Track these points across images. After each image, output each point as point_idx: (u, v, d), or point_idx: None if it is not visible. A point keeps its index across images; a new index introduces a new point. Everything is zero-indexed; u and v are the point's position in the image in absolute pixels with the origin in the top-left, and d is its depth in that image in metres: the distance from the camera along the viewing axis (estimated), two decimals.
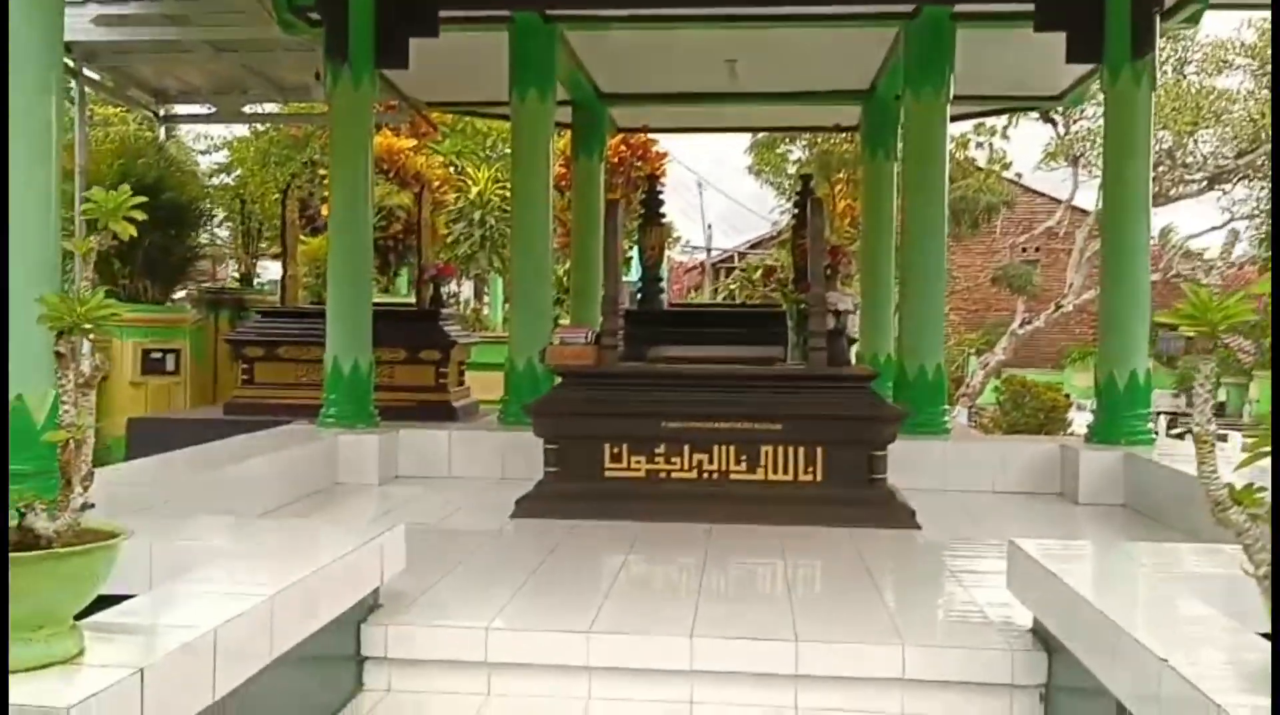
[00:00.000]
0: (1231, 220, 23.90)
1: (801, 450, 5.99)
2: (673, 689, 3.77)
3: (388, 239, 12.01)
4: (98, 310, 2.41)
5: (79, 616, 2.44)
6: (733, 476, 6.03)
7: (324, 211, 13.38)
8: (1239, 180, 22.29)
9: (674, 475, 6.05)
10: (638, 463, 6.07)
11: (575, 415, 6.09)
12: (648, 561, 5.24)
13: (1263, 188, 22.50)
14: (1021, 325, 23.79)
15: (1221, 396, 25.31)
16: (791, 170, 17.97)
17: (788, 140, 17.83)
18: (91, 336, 2.50)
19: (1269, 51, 19.34)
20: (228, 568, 3.31)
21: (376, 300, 8.34)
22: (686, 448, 6.05)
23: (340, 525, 5.49)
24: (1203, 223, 24.55)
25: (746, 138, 19.16)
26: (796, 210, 8.96)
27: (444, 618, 3.99)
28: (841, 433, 5.95)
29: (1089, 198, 25.11)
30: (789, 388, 6.07)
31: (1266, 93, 20.62)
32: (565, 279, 13.33)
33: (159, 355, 9.86)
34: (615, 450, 6.07)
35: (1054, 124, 23.11)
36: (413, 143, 12.82)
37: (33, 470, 3.50)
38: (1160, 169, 21.95)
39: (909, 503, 5.98)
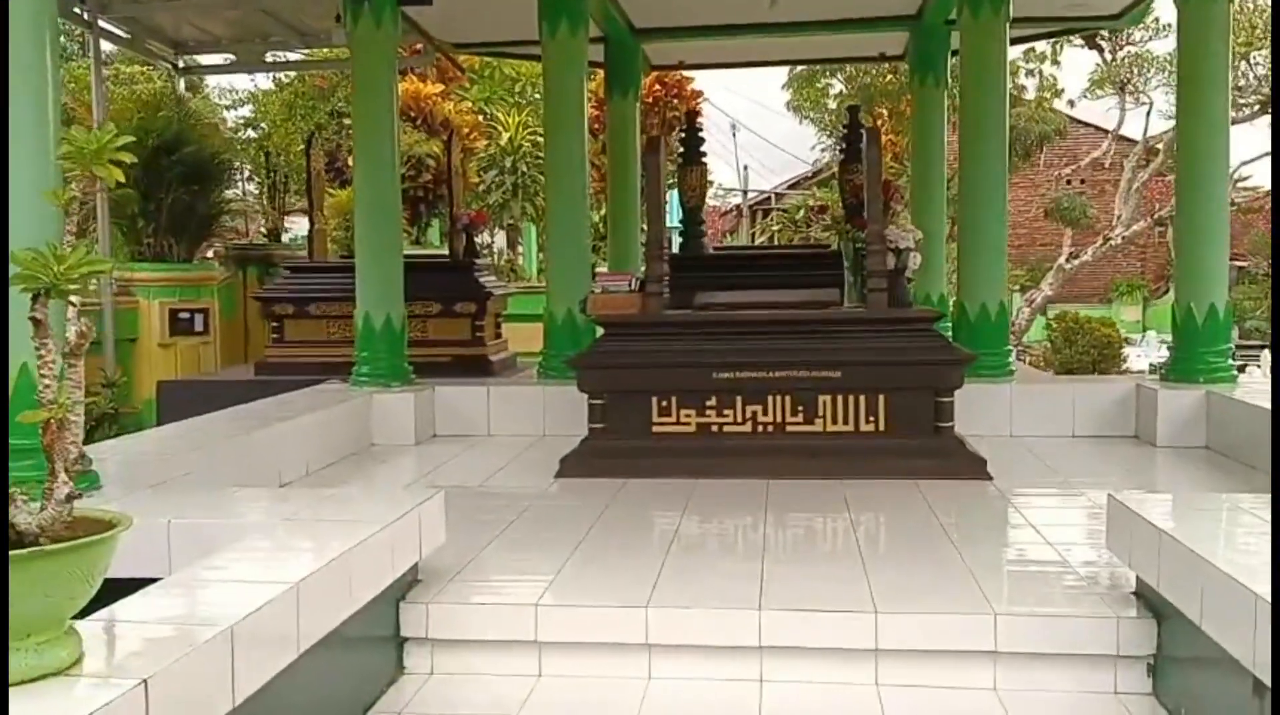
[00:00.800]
0: None
1: (862, 398, 5.61)
2: (740, 666, 3.45)
3: (417, 189, 11.66)
4: (79, 267, 2.08)
5: (85, 610, 2.15)
6: (789, 428, 5.67)
7: (350, 162, 13.05)
8: None
9: (726, 429, 5.70)
10: (688, 417, 5.72)
11: (620, 368, 5.75)
12: (704, 522, 4.92)
13: None
14: (1068, 259, 23.13)
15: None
16: (832, 105, 17.33)
17: (827, 74, 17.19)
18: (77, 298, 2.17)
19: None
20: (250, 549, 3.00)
21: (407, 252, 8.02)
22: (739, 399, 5.69)
23: (375, 492, 5.21)
24: (1255, 148, 23.51)
25: (782, 75, 18.54)
26: (844, 145, 8.49)
27: (489, 593, 3.68)
28: (904, 378, 5.57)
29: (1136, 126, 24.27)
30: (847, 332, 5.68)
31: None
32: (601, 225, 12.94)
33: (187, 315, 9.60)
34: (664, 404, 5.73)
35: (1100, 50, 22.24)
36: (440, 88, 12.41)
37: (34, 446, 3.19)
38: None
39: (978, 451, 5.60)
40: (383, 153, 7.04)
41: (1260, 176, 24.96)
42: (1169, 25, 21.74)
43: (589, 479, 5.59)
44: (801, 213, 15.90)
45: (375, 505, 3.60)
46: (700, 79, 17.12)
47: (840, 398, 5.62)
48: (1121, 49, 21.97)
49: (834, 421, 5.64)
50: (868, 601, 3.53)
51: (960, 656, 3.38)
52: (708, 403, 5.71)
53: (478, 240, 19.85)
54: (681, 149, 8.55)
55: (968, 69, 7.41)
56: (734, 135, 30.56)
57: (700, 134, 8.59)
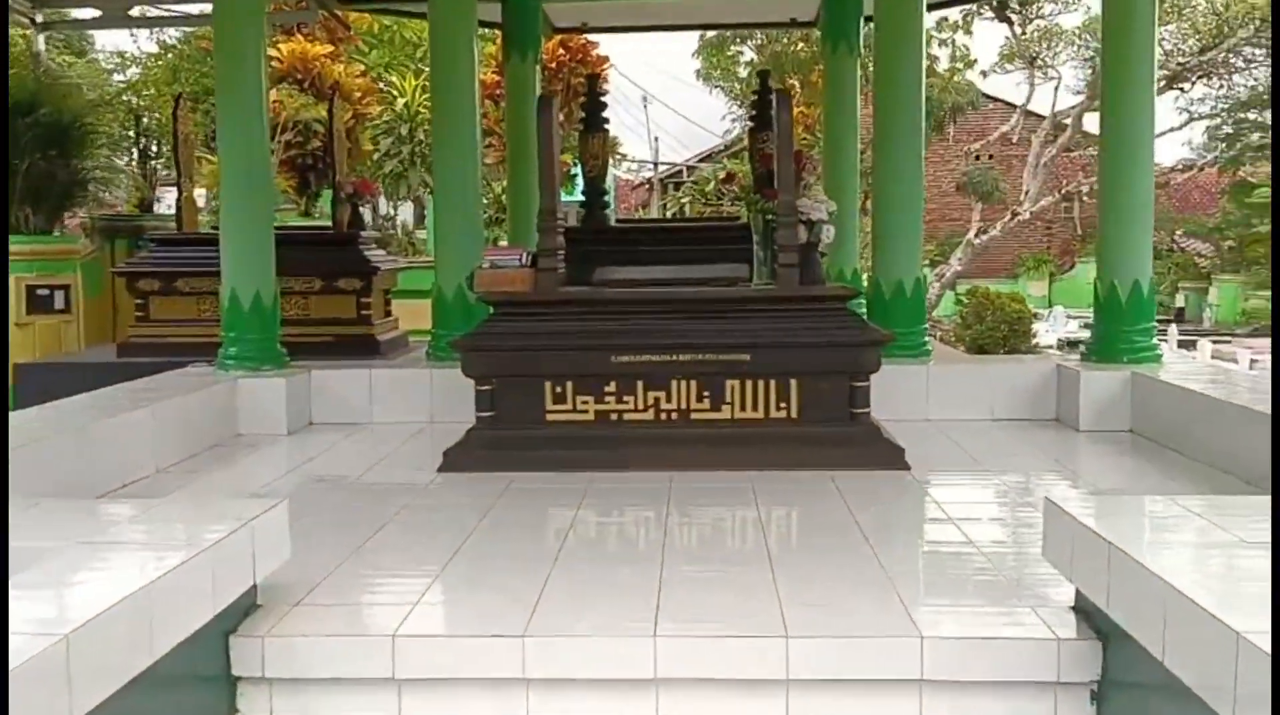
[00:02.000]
0: (1190, 120, 23.32)
1: (773, 383, 5.18)
2: (633, 702, 2.99)
3: (305, 156, 10.92)
4: None
5: None
6: (695, 416, 5.22)
7: None
8: (1199, 78, 21.62)
9: (627, 416, 5.23)
10: (585, 403, 5.23)
11: (510, 350, 5.23)
12: (599, 523, 4.46)
13: (1223, 86, 21.89)
14: (977, 234, 23.17)
15: (1180, 302, 24.99)
16: (744, 73, 16.89)
17: (738, 41, 16.74)
18: None
19: None
20: (25, 586, 2.43)
21: (292, 224, 7.40)
22: (641, 385, 5.22)
23: (211, 500, 4.61)
24: (1160, 124, 23.82)
25: (693, 44, 18.05)
26: (754, 112, 8.05)
27: (341, 620, 3.15)
28: (818, 362, 5.15)
29: (1044, 101, 24.39)
30: (757, 312, 5.24)
31: None
32: (502, 197, 12.35)
33: (46, 291, 8.80)
34: (558, 390, 5.23)
35: (1010, 23, 22.23)
36: (329, 49, 11.67)
37: None
38: None
39: (895, 439, 5.22)
40: (249, 113, 6.38)
41: (1163, 153, 25.32)
42: None
43: (475, 473, 5.08)
44: (711, 185, 15.40)
45: (200, 521, 3.04)
46: (611, 49, 16.56)
47: (749, 383, 5.19)
48: (1031, 22, 21.97)
49: (743, 408, 5.20)
50: (778, 622, 3.09)
51: (882, 686, 2.96)
52: (607, 388, 5.23)
53: (381, 213, 19.07)
54: (583, 114, 8.02)
55: (882, 35, 7.00)
56: (645, 108, 30.04)
57: (603, 99, 8.06)
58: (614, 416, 5.23)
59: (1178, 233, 25.60)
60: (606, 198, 7.94)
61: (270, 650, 2.98)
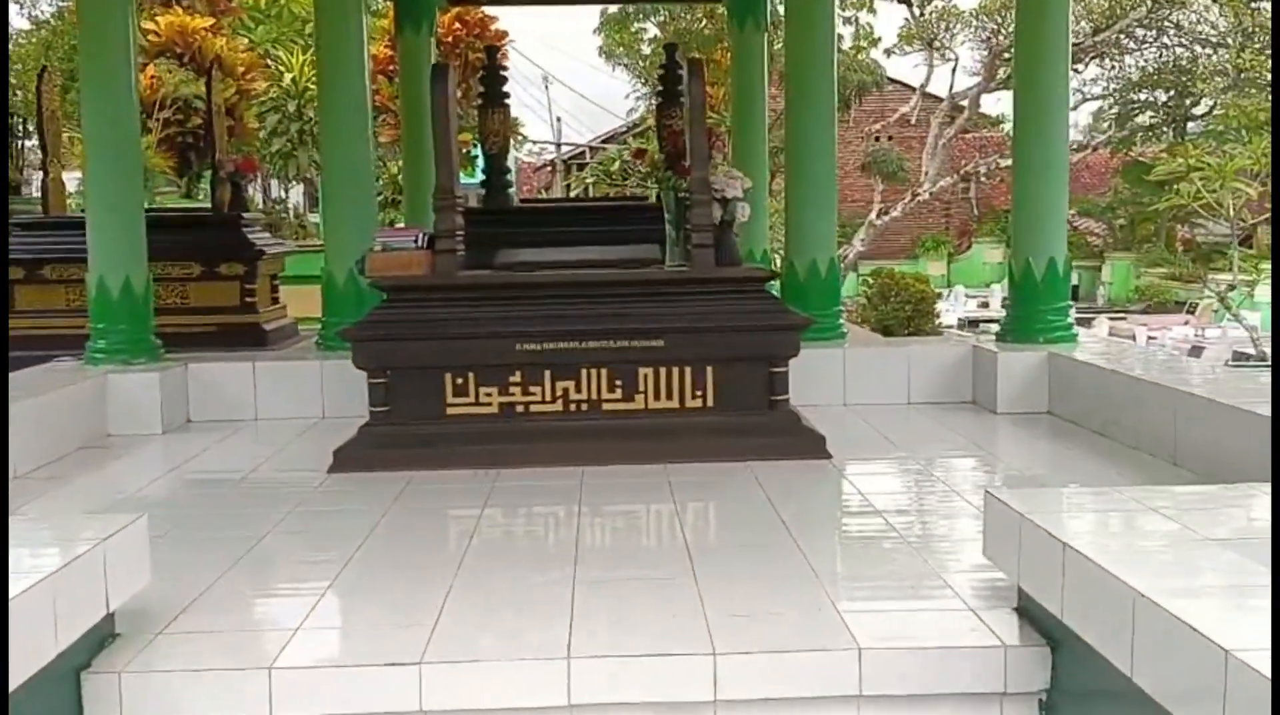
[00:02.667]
0: (1084, 101, 23.76)
1: (688, 371, 4.91)
2: None
3: (185, 135, 10.28)
4: None
5: None
6: (606, 407, 4.92)
7: None
8: (1092, 59, 22.01)
9: (534, 409, 4.91)
10: (488, 395, 4.89)
11: (406, 339, 4.85)
12: (505, 526, 4.16)
13: (1115, 66, 22.31)
14: (879, 216, 23.31)
15: (1074, 279, 25.50)
16: (647, 51, 16.56)
17: (641, 17, 16.41)
18: None
19: None
20: None
21: (171, 206, 6.87)
22: (548, 374, 4.90)
23: (58, 515, 4.17)
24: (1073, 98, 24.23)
25: (594, 22, 17.67)
26: (660, 88, 7.77)
27: (210, 651, 2.78)
28: (734, 347, 4.89)
29: (942, 83, 24.63)
30: (669, 295, 4.96)
31: None
32: (399, 178, 11.86)
33: None
34: (459, 381, 4.88)
35: (909, 4, 22.34)
36: (209, 22, 11.03)
37: None
38: (1010, 53, 21.47)
39: (815, 427, 4.99)
40: (116, 85, 5.85)
41: (1074, 130, 25.79)
42: None
43: (370, 473, 4.70)
44: (616, 165, 15.05)
45: (43, 542, 2.64)
46: (510, 25, 16.09)
47: (663, 371, 4.91)
48: (930, 4, 22.11)
49: (656, 397, 4.92)
50: (703, 636, 2.82)
51: (818, 704, 2.71)
52: (511, 379, 4.90)
53: (271, 196, 18.31)
54: (481, 89, 7.64)
55: (794, 9, 6.76)
56: (546, 88, 29.51)
57: (503, 73, 7.70)
58: (520, 409, 4.90)
59: (1071, 212, 26.11)
60: (509, 177, 7.58)
61: (128, 688, 2.60)
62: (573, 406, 4.91)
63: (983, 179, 24.98)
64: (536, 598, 3.17)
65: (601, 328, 4.87)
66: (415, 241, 4.98)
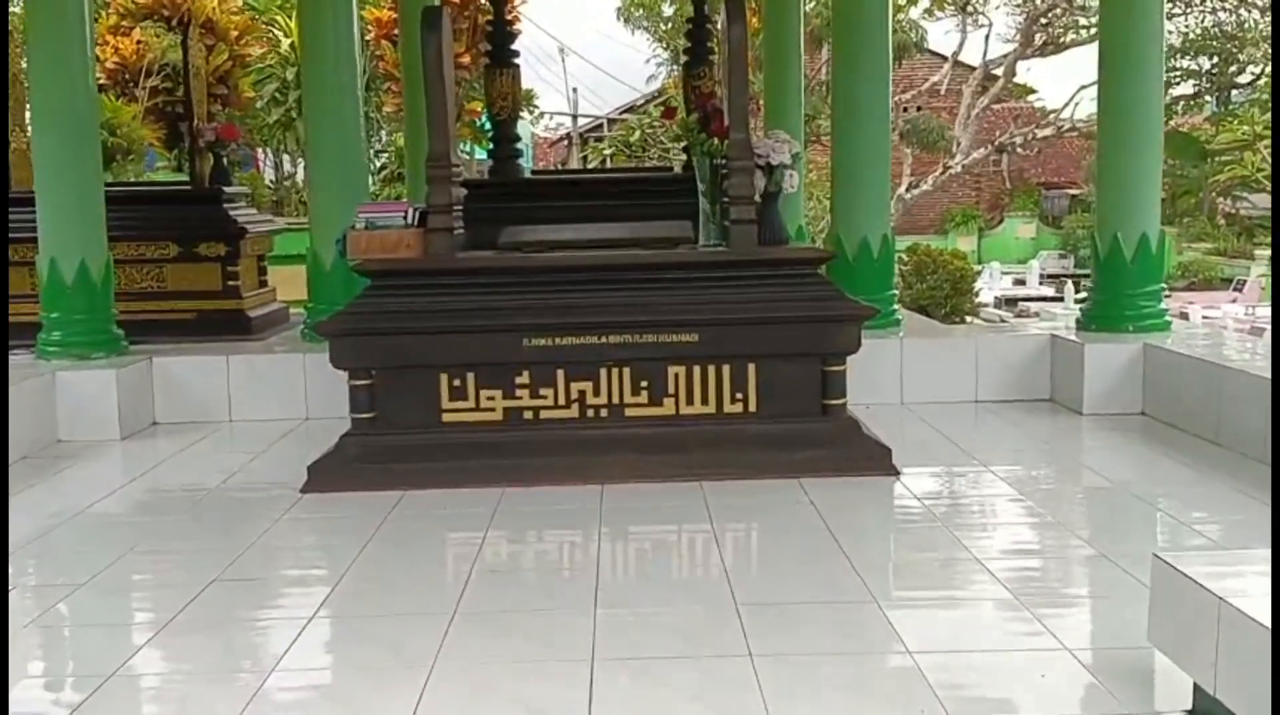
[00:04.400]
0: None
1: (726, 370, 4.14)
2: None
3: (174, 105, 9.52)
4: None
5: None
6: (630, 412, 4.16)
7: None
8: None
9: (545, 415, 4.15)
10: (491, 400, 4.14)
11: (394, 334, 4.10)
12: (510, 558, 3.49)
13: None
14: (908, 189, 22.40)
15: None
16: (669, 11, 15.63)
17: None
18: None
19: None
20: None
21: (146, 179, 6.13)
22: (561, 375, 4.14)
23: (17, 527, 3.45)
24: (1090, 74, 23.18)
25: (613, 2, 16.73)
26: (688, 45, 6.95)
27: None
28: (783, 342, 4.12)
29: (974, 51, 23.61)
30: (704, 280, 4.18)
31: None
32: (402, 152, 11.10)
33: None
34: (457, 383, 4.13)
35: None
36: None
37: None
38: (1054, 12, 20.49)
39: (878, 436, 4.22)
40: (68, 43, 5.11)
41: (1088, 105, 24.72)
42: None
43: (350, 493, 3.97)
44: (637, 134, 14.16)
45: None
46: (525, 4, 15.17)
47: (697, 369, 4.14)
48: None
49: (689, 402, 4.16)
50: (752, 695, 2.09)
51: None
52: (518, 380, 4.14)
53: (283, 171, 17.53)
54: (489, 48, 6.85)
55: None
56: (563, 60, 28.64)
57: (512, 30, 6.91)
58: (528, 415, 4.15)
59: None
60: (518, 146, 6.78)
61: None
62: (590, 412, 4.16)
63: (1019, 150, 23.96)
64: (549, 641, 2.60)
65: (624, 319, 4.11)
66: (404, 218, 4.22)
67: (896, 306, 5.89)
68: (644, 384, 4.14)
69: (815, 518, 3.64)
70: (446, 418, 4.14)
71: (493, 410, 4.15)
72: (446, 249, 4.17)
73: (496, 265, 4.21)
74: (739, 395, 4.15)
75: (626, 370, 4.14)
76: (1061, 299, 17.04)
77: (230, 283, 6.65)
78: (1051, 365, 5.31)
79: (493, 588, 3.08)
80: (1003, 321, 16.73)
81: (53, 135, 5.13)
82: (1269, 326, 14.13)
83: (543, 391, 4.14)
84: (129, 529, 3.72)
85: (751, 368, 4.14)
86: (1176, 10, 20.39)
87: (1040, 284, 19.88)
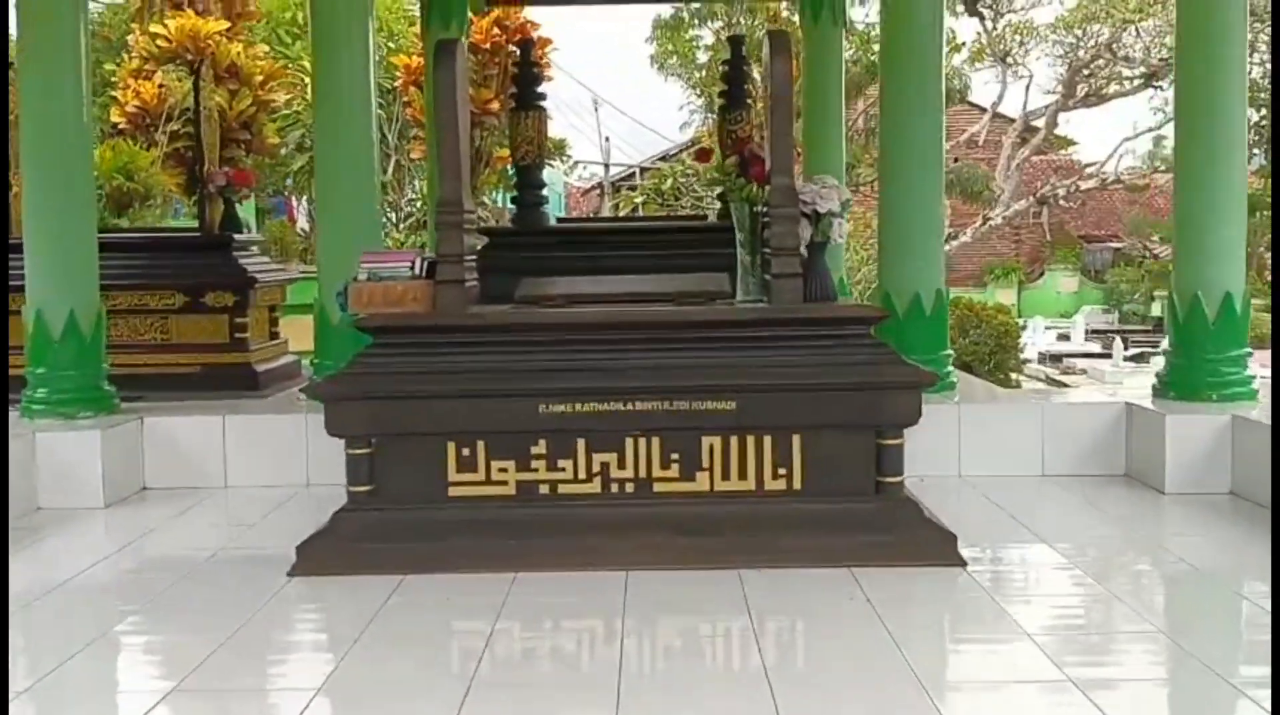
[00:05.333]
0: (1167, 121, 22.20)
1: (767, 441, 3.68)
2: None
3: (195, 149, 9.22)
4: None
5: None
6: (659, 488, 3.70)
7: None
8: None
9: (564, 490, 3.70)
10: (503, 472, 3.70)
11: (397, 398, 3.68)
12: (524, 650, 3.06)
13: None
14: (947, 241, 21.93)
15: (1156, 310, 23.88)
16: (703, 59, 15.32)
17: (696, 22, 15.22)
18: None
19: None
20: None
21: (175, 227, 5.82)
22: (582, 444, 3.69)
23: None
24: (1140, 123, 22.71)
25: (645, 30, 16.50)
26: (724, 87, 6.57)
27: None
28: (832, 411, 3.66)
29: (1014, 102, 23.23)
30: (743, 340, 3.74)
31: None
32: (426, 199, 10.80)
33: None
34: (465, 452, 3.69)
35: (981, 18, 21.03)
36: (224, 26, 10.07)
37: None
38: (1098, 63, 20.08)
39: (939, 519, 3.73)
40: (60, 75, 4.79)
41: (1130, 157, 24.23)
42: None
43: (344, 577, 3.53)
44: (669, 182, 13.78)
45: None
46: (557, 44, 14.97)
47: (735, 441, 3.68)
48: (1003, 17, 20.77)
49: (725, 477, 3.69)
50: None
51: None
52: (534, 450, 3.70)
53: (301, 220, 17.30)
54: (514, 89, 6.50)
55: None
56: (596, 111, 28.46)
57: (537, 70, 6.55)
58: (544, 489, 3.70)
59: (1153, 238, 24.47)
60: (543, 192, 6.39)
61: None
62: (614, 487, 3.70)
63: (1062, 202, 23.45)
64: None
65: (653, 384, 3.66)
66: (411, 268, 3.81)
67: (951, 368, 5.41)
68: (675, 456, 3.69)
69: (870, 615, 3.17)
70: (453, 491, 3.70)
71: (505, 484, 3.70)
72: (457, 303, 3.75)
73: (511, 322, 3.79)
74: (782, 471, 3.68)
75: (656, 441, 3.69)
76: (1110, 356, 16.48)
77: (238, 335, 6.28)
78: (1127, 437, 4.80)
79: (503, 688, 2.72)
80: (1049, 379, 16.21)
81: (40, 175, 4.80)
82: None
83: (561, 463, 3.69)
84: (87, 617, 3.31)
85: (796, 440, 3.67)
86: None
87: (1086, 340, 19.28)
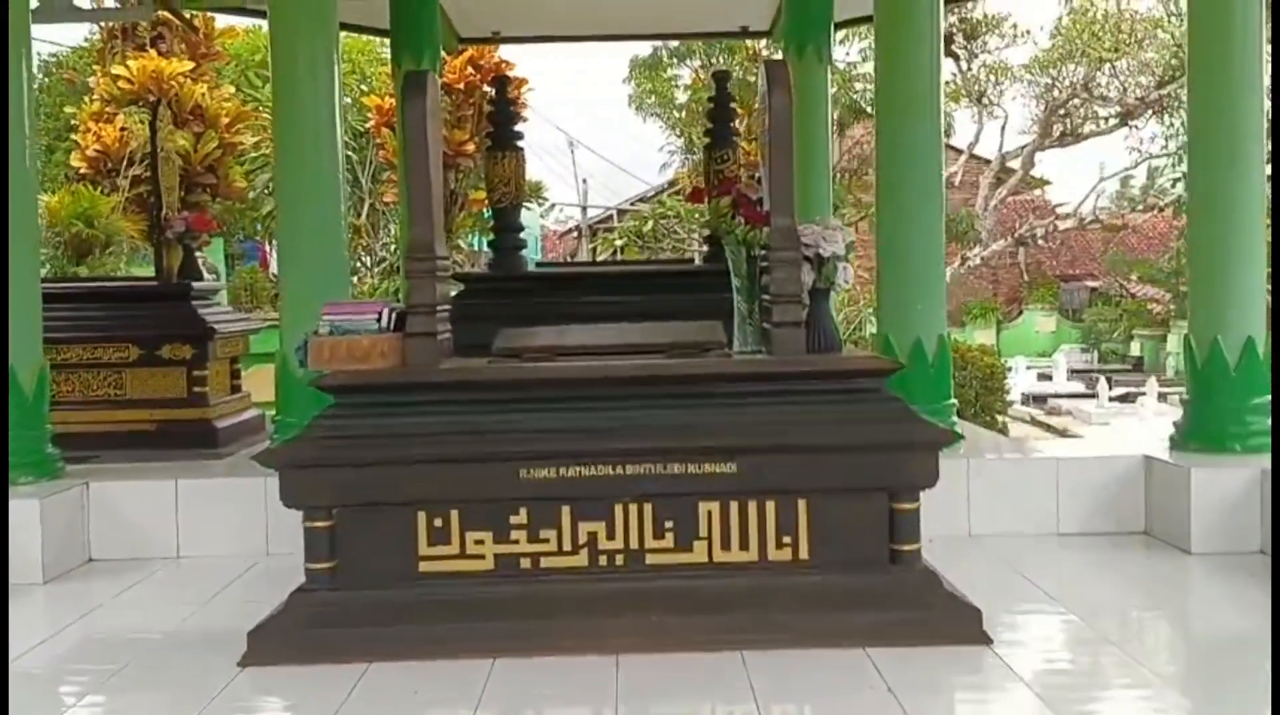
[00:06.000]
0: (1144, 159, 22.24)
1: (771, 507, 3.35)
2: None
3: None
4: None
5: None
6: (652, 560, 3.36)
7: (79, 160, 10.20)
8: (1154, 116, 20.52)
9: (546, 563, 3.35)
10: (480, 544, 3.35)
11: (360, 465, 3.33)
12: None
13: (1174, 121, 20.73)
14: None
15: (1135, 350, 23.77)
16: (682, 99, 15.10)
17: (675, 61, 15.02)
18: None
19: None
20: None
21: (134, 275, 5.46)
22: (567, 513, 3.35)
23: None
24: (1116, 163, 22.70)
25: (623, 70, 16.28)
26: (710, 125, 6.31)
27: None
28: (842, 473, 3.34)
29: (990, 144, 23.21)
30: (744, 395, 3.42)
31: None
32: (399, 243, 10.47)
33: None
34: (438, 523, 3.34)
35: (956, 59, 21.01)
36: (188, 67, 9.76)
37: None
38: (1074, 103, 20.07)
39: (962, 594, 3.41)
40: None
41: (1111, 193, 24.22)
42: (1027, 33, 20.68)
43: (301, 667, 3.16)
44: (650, 225, 13.46)
45: None
46: (535, 91, 14.76)
47: (736, 506, 3.35)
48: (977, 58, 20.76)
49: (726, 547, 3.36)
50: None
51: None
52: (514, 519, 3.35)
53: (273, 268, 16.94)
54: (490, 128, 6.22)
55: (887, 31, 5.29)
56: (572, 152, 28.30)
57: (514, 108, 6.28)
58: (525, 564, 3.35)
59: (1131, 278, 24.41)
60: (521, 236, 6.09)
61: None
62: (603, 560, 3.36)
63: (1040, 242, 23.38)
64: None
65: (645, 445, 3.33)
66: (378, 320, 3.48)
67: (956, 418, 5.11)
68: (669, 525, 3.35)
69: (890, 704, 2.84)
70: (424, 567, 3.34)
71: (482, 557, 3.35)
72: (428, 358, 3.42)
73: (489, 378, 3.45)
74: (787, 539, 3.35)
75: (648, 507, 3.35)
76: (1095, 396, 16.25)
77: (196, 389, 5.91)
78: (1147, 492, 4.51)
79: None
80: (1034, 421, 15.94)
81: None
82: None
83: (544, 534, 3.35)
84: (19, 711, 2.92)
85: (802, 505, 3.35)
86: None
87: (1068, 380, 19.07)
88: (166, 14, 9.53)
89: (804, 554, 3.35)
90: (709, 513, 3.36)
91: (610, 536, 3.36)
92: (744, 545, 3.36)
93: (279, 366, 4.97)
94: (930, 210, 5.02)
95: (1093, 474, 4.59)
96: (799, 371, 3.39)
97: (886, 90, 5.24)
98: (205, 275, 6.52)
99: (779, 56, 8.65)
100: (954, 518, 4.50)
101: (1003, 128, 22.27)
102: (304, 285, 4.89)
